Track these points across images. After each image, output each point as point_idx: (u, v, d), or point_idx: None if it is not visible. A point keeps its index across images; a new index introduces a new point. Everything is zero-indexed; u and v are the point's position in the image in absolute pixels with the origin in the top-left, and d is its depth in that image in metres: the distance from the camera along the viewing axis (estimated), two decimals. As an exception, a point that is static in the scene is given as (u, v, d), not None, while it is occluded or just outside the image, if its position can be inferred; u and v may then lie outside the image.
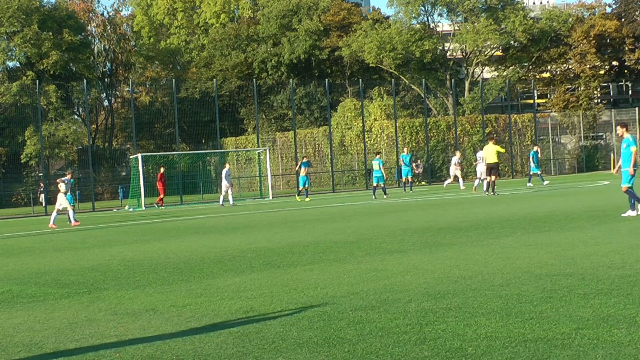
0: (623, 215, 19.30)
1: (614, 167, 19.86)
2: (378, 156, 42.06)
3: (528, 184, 44.18)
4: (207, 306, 9.90)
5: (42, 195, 56.13)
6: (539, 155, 46.74)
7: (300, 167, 42.94)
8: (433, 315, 8.45)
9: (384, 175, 41.60)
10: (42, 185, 58.66)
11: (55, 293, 11.88)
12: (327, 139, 63.69)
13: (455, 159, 44.35)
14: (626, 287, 9.46)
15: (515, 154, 66.93)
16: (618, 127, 20.39)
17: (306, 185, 42.68)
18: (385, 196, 39.13)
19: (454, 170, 44.03)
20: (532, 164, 44.11)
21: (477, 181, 41.49)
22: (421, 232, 18.24)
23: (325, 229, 21.09)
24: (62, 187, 31.79)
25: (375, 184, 40.43)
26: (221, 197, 41.93)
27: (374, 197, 39.81)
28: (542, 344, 6.96)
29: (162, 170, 46.78)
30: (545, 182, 43.76)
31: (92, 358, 7.49)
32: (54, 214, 31.73)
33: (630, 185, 19.63)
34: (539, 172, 44.58)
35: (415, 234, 17.85)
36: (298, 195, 43.31)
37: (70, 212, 31.33)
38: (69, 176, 33.73)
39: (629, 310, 8.12)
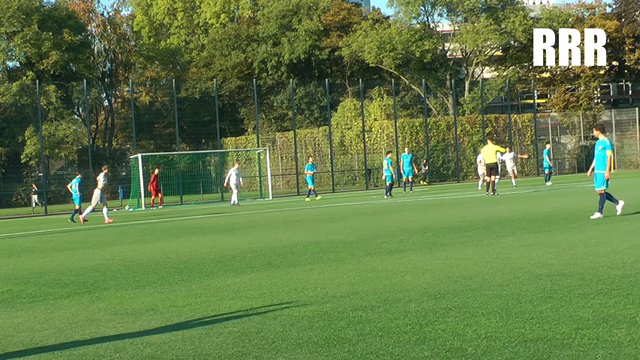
0: (591, 217, 19.24)
1: (607, 170, 19.67)
2: (388, 155, 42.21)
3: (547, 183, 44.09)
4: (207, 306, 9.90)
5: (35, 197, 56.09)
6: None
7: (308, 169, 43.01)
8: (433, 315, 8.45)
9: (393, 174, 41.60)
10: (34, 186, 58.73)
11: (55, 293, 11.88)
12: (327, 139, 63.74)
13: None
14: (626, 287, 9.46)
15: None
16: (594, 129, 20.29)
17: (310, 186, 42.83)
18: (385, 196, 39.15)
19: (512, 166, 43.27)
20: (546, 162, 44.48)
21: (480, 182, 41.56)
22: (421, 232, 18.24)
23: (325, 229, 21.09)
24: (100, 183, 32.23)
25: (388, 183, 40.41)
26: (234, 196, 41.91)
27: (388, 195, 39.76)
28: (542, 344, 6.95)
29: (156, 172, 46.63)
30: (548, 183, 43.85)
31: (92, 358, 7.49)
32: (105, 209, 31.71)
33: (605, 188, 19.58)
34: (546, 172, 44.98)
35: (415, 234, 17.85)
36: (316, 195, 42.99)
37: (89, 209, 31.82)
38: (105, 171, 33.84)
39: (629, 310, 8.12)
